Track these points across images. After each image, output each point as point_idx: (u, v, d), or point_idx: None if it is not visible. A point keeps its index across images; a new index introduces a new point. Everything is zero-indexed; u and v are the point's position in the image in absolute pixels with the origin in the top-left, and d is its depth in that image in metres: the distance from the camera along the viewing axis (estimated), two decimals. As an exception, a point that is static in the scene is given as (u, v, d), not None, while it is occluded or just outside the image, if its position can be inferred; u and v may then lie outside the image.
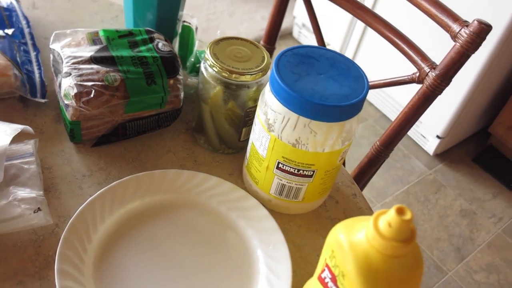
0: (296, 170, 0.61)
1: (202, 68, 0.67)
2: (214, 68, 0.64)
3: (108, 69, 0.66)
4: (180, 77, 0.70)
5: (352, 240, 0.44)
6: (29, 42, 0.79)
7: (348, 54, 2.08)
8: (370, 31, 1.94)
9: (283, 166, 0.61)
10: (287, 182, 0.63)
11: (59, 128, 0.71)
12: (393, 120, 0.90)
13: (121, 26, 0.90)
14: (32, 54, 0.77)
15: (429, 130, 1.93)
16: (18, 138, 0.66)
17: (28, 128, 0.65)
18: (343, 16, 2.01)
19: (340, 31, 2.07)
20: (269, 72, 0.66)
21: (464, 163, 2.01)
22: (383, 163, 0.96)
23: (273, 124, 0.59)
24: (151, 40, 0.71)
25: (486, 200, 1.89)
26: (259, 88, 0.67)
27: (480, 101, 1.87)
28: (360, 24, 1.97)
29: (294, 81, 0.57)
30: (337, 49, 2.13)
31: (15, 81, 0.71)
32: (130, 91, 0.66)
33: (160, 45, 0.71)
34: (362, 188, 1.00)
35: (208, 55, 0.65)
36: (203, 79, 0.67)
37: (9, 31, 0.77)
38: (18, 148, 0.65)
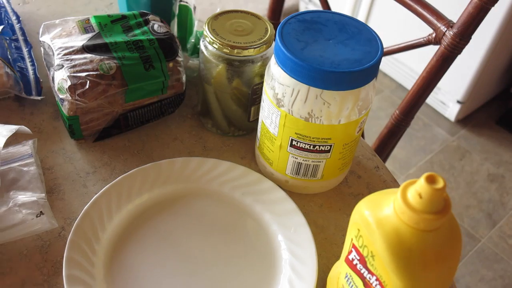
0: (311, 146, 0.56)
1: (202, 47, 0.62)
2: (214, 45, 0.60)
3: (102, 57, 0.62)
4: (180, 59, 0.65)
5: (379, 216, 0.40)
6: (21, 38, 0.75)
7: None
8: (378, -1, 1.87)
9: (297, 143, 0.56)
10: (303, 160, 0.58)
11: (58, 125, 0.67)
12: (410, 89, 0.85)
13: (115, 12, 0.85)
14: (25, 50, 0.73)
15: (449, 96, 1.86)
16: (15, 140, 0.63)
17: (24, 128, 0.61)
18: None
19: (348, 1, 2.00)
20: (273, 44, 0.61)
21: (487, 127, 1.94)
22: (404, 132, 0.91)
23: (282, 99, 0.54)
24: (146, 22, 0.67)
25: (514, 163, 1.82)
26: (264, 62, 0.62)
27: (500, 60, 1.80)
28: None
29: (301, 49, 0.52)
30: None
31: (8, 80, 0.67)
32: (128, 79, 0.62)
33: (155, 26, 0.66)
34: (384, 161, 0.95)
35: (206, 31, 0.60)
36: (204, 58, 0.62)
37: (-2, 29, 0.73)
38: (16, 150, 0.61)
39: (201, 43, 0.62)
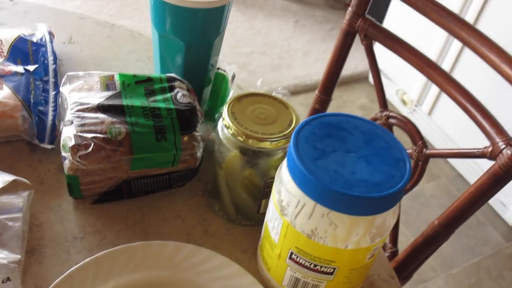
0: (312, 265, 0.49)
1: (219, 128, 0.57)
2: (230, 130, 0.55)
3: (114, 119, 0.58)
4: (197, 133, 0.61)
5: None
6: (51, 80, 0.73)
7: (426, 105, 1.93)
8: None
9: (296, 258, 0.50)
10: (301, 276, 0.51)
11: (61, 178, 0.64)
12: (470, 182, 0.76)
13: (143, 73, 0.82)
14: (51, 94, 0.71)
15: (510, 198, 1.72)
16: (15, 188, 0.60)
17: (22, 179, 0.58)
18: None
19: (419, 79, 1.92)
20: (296, 139, 0.56)
21: (549, 238, 1.77)
22: (440, 245, 0.82)
23: (286, 207, 0.48)
24: (171, 89, 0.63)
25: None
26: (284, 156, 0.56)
27: None
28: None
29: (315, 159, 0.46)
30: (414, 100, 1.98)
31: (23, 124, 0.65)
32: (135, 147, 0.58)
33: (179, 95, 0.62)
34: (412, 273, 0.86)
35: (225, 113, 0.55)
36: (218, 140, 0.57)
37: (31, 68, 0.71)
38: (9, 201, 0.58)
39: (218, 123, 0.58)
